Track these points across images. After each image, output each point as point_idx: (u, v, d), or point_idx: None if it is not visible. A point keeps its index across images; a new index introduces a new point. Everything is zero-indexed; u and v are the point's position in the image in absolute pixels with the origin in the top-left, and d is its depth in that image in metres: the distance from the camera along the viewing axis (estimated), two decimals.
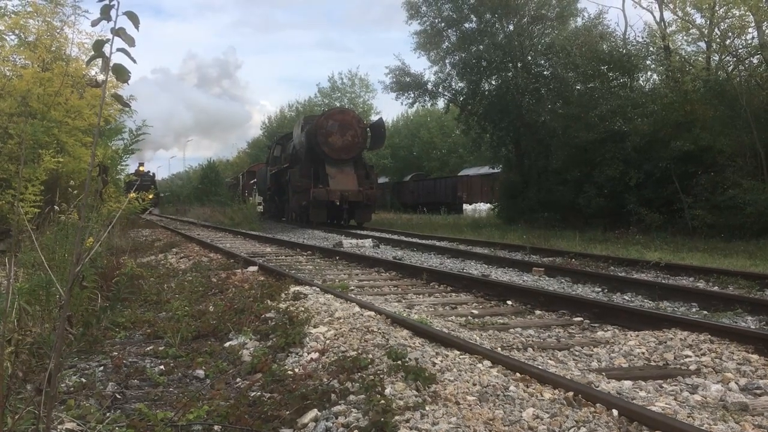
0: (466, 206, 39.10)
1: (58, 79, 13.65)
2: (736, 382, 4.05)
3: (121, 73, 1.64)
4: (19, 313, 3.74)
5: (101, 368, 4.46)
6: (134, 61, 1.60)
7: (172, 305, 6.49)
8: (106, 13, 1.54)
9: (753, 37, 19.35)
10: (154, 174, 57.81)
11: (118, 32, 1.53)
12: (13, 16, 15.08)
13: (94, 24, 1.59)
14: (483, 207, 35.56)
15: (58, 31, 16.03)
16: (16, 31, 15.62)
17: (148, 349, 5.07)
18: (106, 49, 1.58)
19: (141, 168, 52.95)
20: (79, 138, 14.32)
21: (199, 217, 34.74)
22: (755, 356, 4.57)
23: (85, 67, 15.45)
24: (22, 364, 2.90)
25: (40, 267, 4.80)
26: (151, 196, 50.10)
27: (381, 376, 3.77)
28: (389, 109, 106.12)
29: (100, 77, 16.11)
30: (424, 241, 15.89)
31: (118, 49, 1.61)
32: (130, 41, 1.56)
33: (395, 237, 17.74)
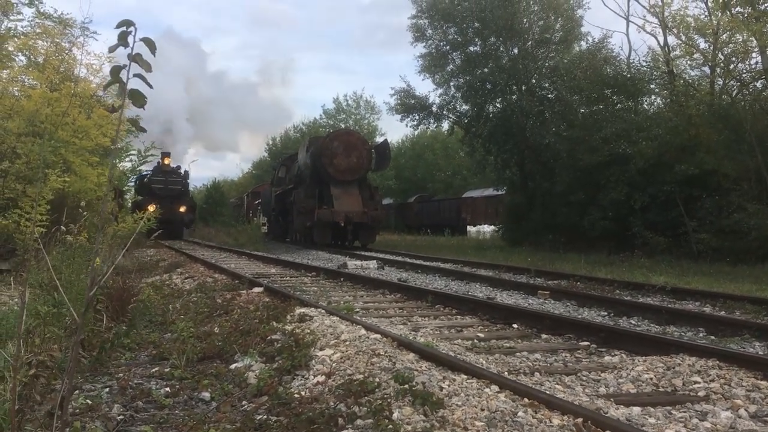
0: (470, 228, 39.11)
1: (66, 100, 13.75)
2: (745, 409, 4.02)
3: (138, 99, 1.66)
4: (42, 334, 3.74)
5: (107, 390, 4.44)
6: (150, 87, 1.61)
7: (177, 326, 6.48)
8: (123, 40, 1.55)
9: (757, 62, 19.43)
10: (187, 172, 35.99)
11: (135, 58, 1.54)
12: (22, 37, 15.24)
13: (111, 50, 1.60)
14: (487, 229, 35.57)
15: (66, 52, 16.19)
16: (25, 52, 15.78)
17: (153, 370, 5.05)
18: (123, 75, 1.60)
19: (166, 161, 34.27)
20: (86, 158, 14.39)
21: (203, 237, 34.72)
22: (764, 383, 4.54)
23: (93, 87, 15.59)
24: (41, 387, 2.90)
25: (48, 288, 4.81)
26: (182, 209, 32.97)
27: (388, 400, 3.75)
28: (394, 130, 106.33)
29: (110, 100, 16.25)
30: (428, 263, 15.86)
31: (135, 75, 1.63)
32: (147, 67, 1.58)
33: (399, 258, 17.72)
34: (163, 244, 24.90)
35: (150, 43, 1.57)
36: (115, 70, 1.53)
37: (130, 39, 1.55)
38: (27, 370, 3.15)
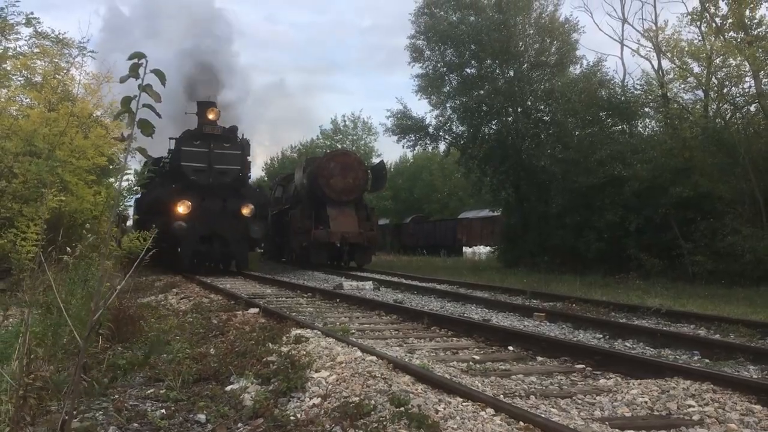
0: (465, 249, 39.10)
1: (64, 120, 13.79)
2: None
3: (146, 128, 1.70)
4: (29, 356, 3.75)
5: (102, 411, 4.43)
6: (159, 116, 1.65)
7: (173, 347, 6.47)
8: (134, 71, 1.60)
9: (750, 86, 19.61)
10: (247, 141, 21.03)
11: (145, 88, 1.59)
12: (20, 57, 15.32)
13: (122, 81, 1.64)
14: (482, 250, 35.57)
15: (64, 72, 16.27)
16: (23, 72, 15.85)
17: (149, 392, 5.04)
18: (133, 104, 1.64)
19: (211, 115, 19.39)
20: (83, 177, 14.39)
21: None
22: (758, 407, 4.55)
23: (91, 107, 15.65)
24: (30, 408, 2.91)
25: (43, 308, 4.81)
26: (246, 211, 18.52)
27: (384, 423, 3.76)
28: (390, 151, 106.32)
29: (108, 120, 16.32)
30: (424, 284, 15.86)
31: (144, 105, 1.67)
32: (157, 97, 1.62)
33: (395, 279, 17.71)
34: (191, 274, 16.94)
35: (160, 74, 1.61)
36: (126, 101, 1.57)
37: (140, 70, 1.59)
38: (23, 392, 3.16)
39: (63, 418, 1.89)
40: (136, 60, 1.57)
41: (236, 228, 18.51)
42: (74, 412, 3.86)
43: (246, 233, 18.64)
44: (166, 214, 17.60)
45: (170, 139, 19.34)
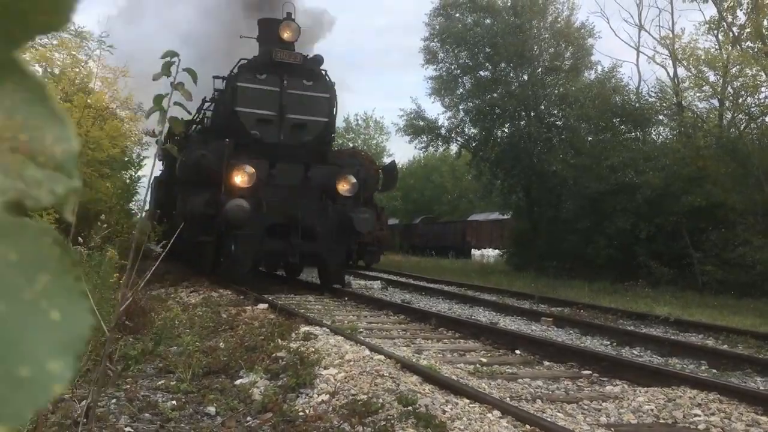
0: (474, 251, 39.07)
1: (80, 111, 13.91)
2: None
3: (177, 125, 1.77)
4: None
5: (114, 401, 4.50)
6: (190, 113, 1.70)
7: (183, 340, 6.53)
8: (166, 70, 1.66)
9: (765, 96, 19.53)
10: (332, 83, 13.26)
11: (177, 86, 1.64)
12: (39, 48, 15.46)
13: (155, 78, 1.70)
14: (491, 253, 35.54)
15: (82, 64, 16.41)
16: (42, 63, 16.00)
17: (159, 383, 5.10)
18: (163, 102, 1.70)
19: (285, 35, 12.23)
20: (98, 169, 14.51)
21: None
22: (764, 418, 4.57)
23: (107, 99, 15.78)
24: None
25: None
26: (345, 188, 11.53)
27: (392, 421, 3.81)
28: (402, 151, 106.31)
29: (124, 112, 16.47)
30: (432, 285, 15.90)
31: (175, 103, 1.73)
32: (188, 96, 1.68)
33: (403, 280, 17.76)
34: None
35: (192, 73, 1.67)
36: (158, 99, 1.63)
37: (172, 69, 1.65)
38: None
39: (88, 405, 1.95)
40: (168, 58, 1.63)
41: (328, 214, 11.99)
42: (90, 401, 3.92)
43: (345, 224, 11.87)
44: (210, 187, 11.37)
45: (215, 78, 12.93)
